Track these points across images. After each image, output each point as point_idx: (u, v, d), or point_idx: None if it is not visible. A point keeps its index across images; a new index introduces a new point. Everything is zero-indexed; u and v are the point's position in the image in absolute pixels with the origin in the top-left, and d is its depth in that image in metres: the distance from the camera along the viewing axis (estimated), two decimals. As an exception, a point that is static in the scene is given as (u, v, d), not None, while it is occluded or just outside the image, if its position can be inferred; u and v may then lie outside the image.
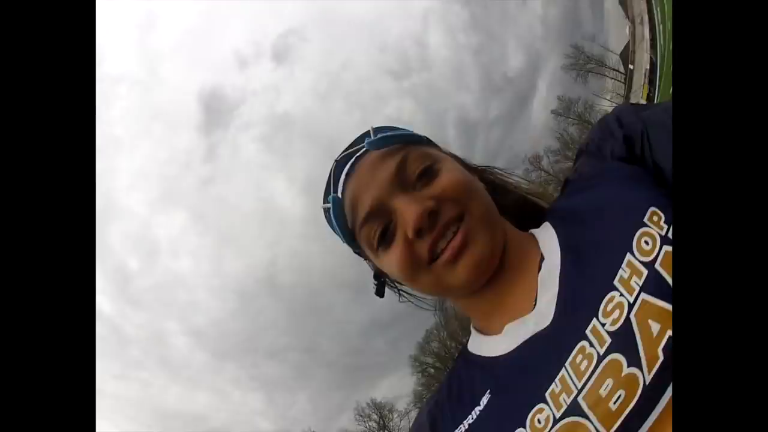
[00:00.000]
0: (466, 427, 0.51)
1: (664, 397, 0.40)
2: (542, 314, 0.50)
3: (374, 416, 73.41)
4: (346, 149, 0.64)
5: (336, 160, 0.64)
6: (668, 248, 0.44)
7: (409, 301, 0.71)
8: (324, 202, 0.63)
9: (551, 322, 0.49)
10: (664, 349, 0.40)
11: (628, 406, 0.40)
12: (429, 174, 0.57)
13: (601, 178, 0.59)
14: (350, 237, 0.62)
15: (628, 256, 0.46)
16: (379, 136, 0.59)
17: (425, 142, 0.65)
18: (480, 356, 0.57)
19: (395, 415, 73.30)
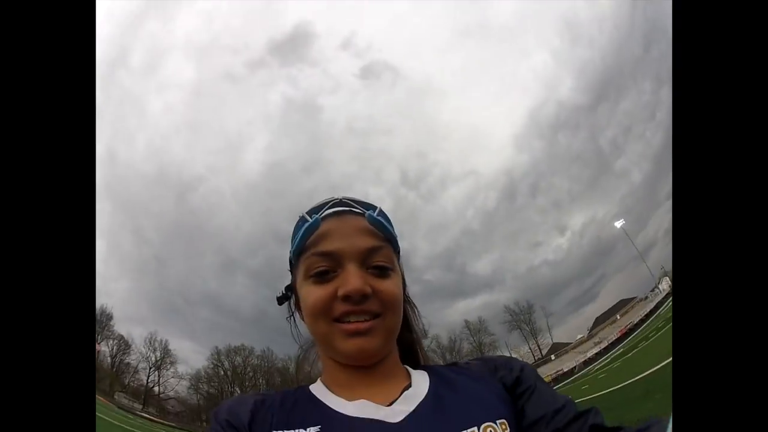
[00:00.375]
0: None
1: None
2: (394, 414, 0.63)
3: (158, 353, 79.02)
4: (351, 200, 0.76)
5: (339, 198, 0.76)
6: None
7: (290, 323, 0.84)
8: (308, 215, 0.73)
9: (396, 425, 0.62)
10: None
11: None
12: (383, 272, 0.69)
13: (484, 380, 0.72)
14: (298, 252, 0.72)
15: (480, 426, 0.61)
16: (379, 219, 0.71)
17: (398, 250, 0.77)
18: (323, 402, 0.68)
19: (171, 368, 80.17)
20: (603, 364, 30.19)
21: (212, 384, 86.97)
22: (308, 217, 0.71)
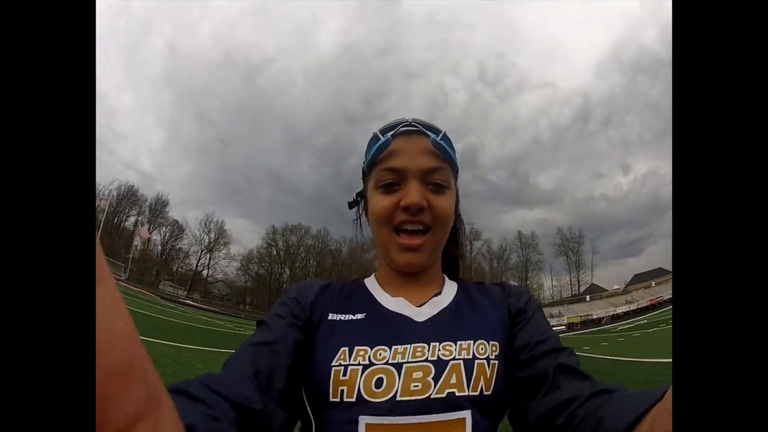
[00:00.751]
0: (339, 318, 0.77)
1: (437, 415, 0.64)
2: (421, 314, 0.77)
3: (212, 234, 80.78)
4: (419, 121, 0.84)
5: (409, 120, 0.83)
6: (480, 361, 0.69)
7: (355, 226, 0.97)
8: (380, 133, 0.82)
9: (420, 323, 0.76)
10: (439, 387, 0.65)
11: (419, 393, 0.65)
12: (439, 189, 0.80)
13: (497, 305, 0.83)
14: (371, 163, 0.83)
15: (475, 341, 0.72)
16: (442, 142, 0.80)
17: (456, 171, 0.87)
18: (372, 295, 0.83)
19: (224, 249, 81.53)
20: (626, 327, 30.24)
21: (263, 264, 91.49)
22: (380, 136, 0.80)
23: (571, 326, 52.09)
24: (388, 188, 0.80)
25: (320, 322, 0.77)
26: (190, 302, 60.66)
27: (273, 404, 0.62)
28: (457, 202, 0.90)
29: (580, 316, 55.53)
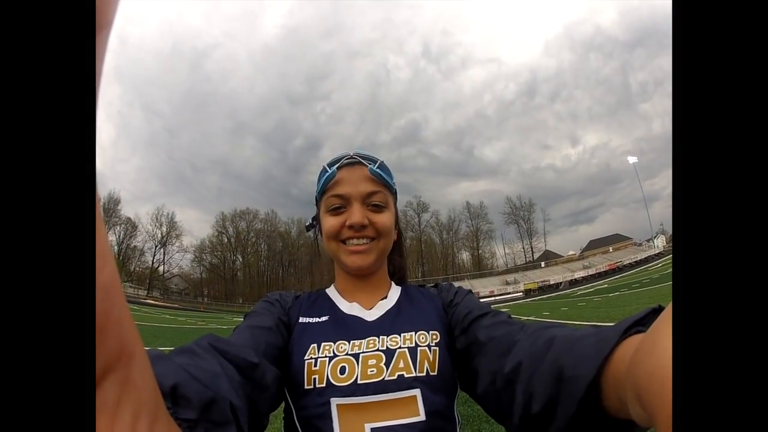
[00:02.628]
0: (307, 321, 0.92)
1: (392, 393, 0.78)
2: (371, 315, 0.93)
3: (164, 228, 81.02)
4: (359, 154, 1.00)
5: (351, 154, 0.99)
6: (422, 348, 0.83)
7: (315, 243, 1.12)
8: (328, 166, 0.99)
9: (371, 322, 0.91)
10: (391, 371, 0.80)
11: (375, 377, 0.79)
12: (378, 208, 0.97)
13: (432, 301, 0.99)
14: (321, 191, 0.99)
15: (416, 332, 0.86)
16: (378, 171, 0.96)
17: (394, 192, 1.05)
18: (332, 301, 0.99)
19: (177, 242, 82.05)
20: (587, 291, 31.20)
21: (215, 253, 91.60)
22: (327, 168, 0.98)
23: (528, 293, 52.80)
24: (335, 211, 0.96)
25: (294, 325, 0.92)
26: (152, 301, 61.33)
27: (267, 362, 0.73)
28: (397, 218, 1.07)
29: (537, 282, 56.80)
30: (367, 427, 0.77)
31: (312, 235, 1.13)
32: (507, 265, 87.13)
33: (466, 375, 0.81)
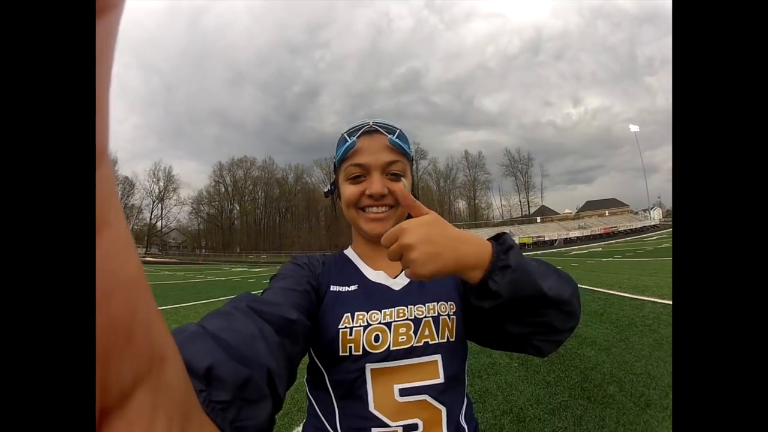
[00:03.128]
0: (339, 289, 0.95)
1: (418, 358, 0.86)
2: (397, 284, 0.97)
3: (161, 183, 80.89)
4: (379, 123, 1.01)
5: (371, 123, 1.01)
6: (443, 317, 0.90)
7: (333, 209, 1.15)
8: (347, 135, 1.01)
9: (398, 291, 0.96)
10: (418, 338, 0.87)
11: (405, 344, 0.86)
12: (397, 177, 0.98)
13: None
14: (340, 161, 1.00)
15: (437, 303, 0.93)
16: (397, 140, 0.98)
17: (411, 159, 1.05)
18: (357, 266, 1.03)
19: (174, 195, 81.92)
20: (581, 252, 31.61)
21: (212, 203, 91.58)
22: (347, 138, 1.00)
23: (522, 246, 53.21)
24: (355, 180, 0.99)
25: (326, 292, 0.94)
26: (150, 258, 61.91)
27: (302, 317, 0.76)
28: (415, 186, 1.11)
29: (532, 237, 57.47)
30: (396, 387, 0.85)
31: (331, 200, 1.16)
32: (503, 217, 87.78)
33: (489, 333, 0.90)
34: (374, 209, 0.98)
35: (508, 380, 4.22)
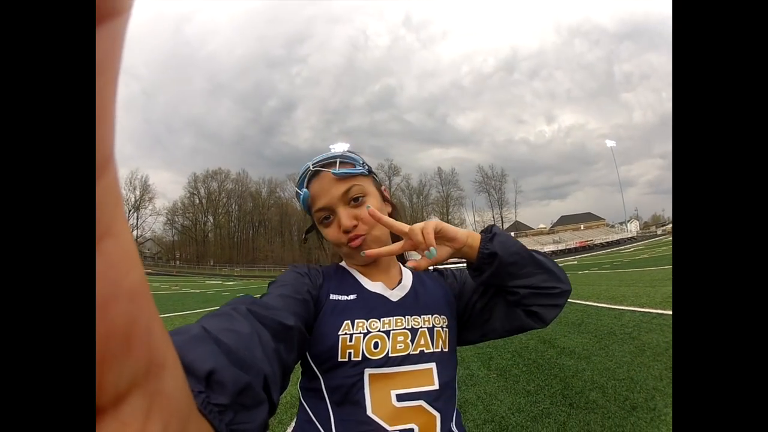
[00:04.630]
0: (338, 298, 0.96)
1: (414, 365, 0.90)
2: (394, 296, 1.01)
3: (137, 192, 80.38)
4: (320, 163, 1.02)
5: (310, 166, 1.03)
6: (438, 329, 0.97)
7: (321, 244, 1.17)
8: (298, 188, 1.05)
9: (395, 302, 0.99)
10: (414, 346, 0.92)
11: (402, 351, 0.90)
12: (358, 201, 1.00)
13: (440, 285, 1.12)
14: (308, 211, 1.05)
15: (432, 315, 0.99)
16: (341, 171, 1.00)
17: (369, 172, 1.07)
18: (357, 280, 1.04)
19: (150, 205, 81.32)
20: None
21: (187, 215, 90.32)
22: (299, 191, 1.04)
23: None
24: (327, 221, 1.03)
25: (325, 301, 0.96)
26: None
27: (300, 324, 0.78)
28: (383, 194, 1.12)
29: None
30: (393, 393, 0.87)
31: (317, 238, 1.18)
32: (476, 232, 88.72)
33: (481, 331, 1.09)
34: (354, 239, 1.00)
35: (488, 390, 4.20)
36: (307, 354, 0.91)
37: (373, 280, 1.05)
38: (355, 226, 1.00)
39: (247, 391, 0.51)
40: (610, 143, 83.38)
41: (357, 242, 1.00)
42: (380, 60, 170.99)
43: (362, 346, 0.89)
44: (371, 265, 1.08)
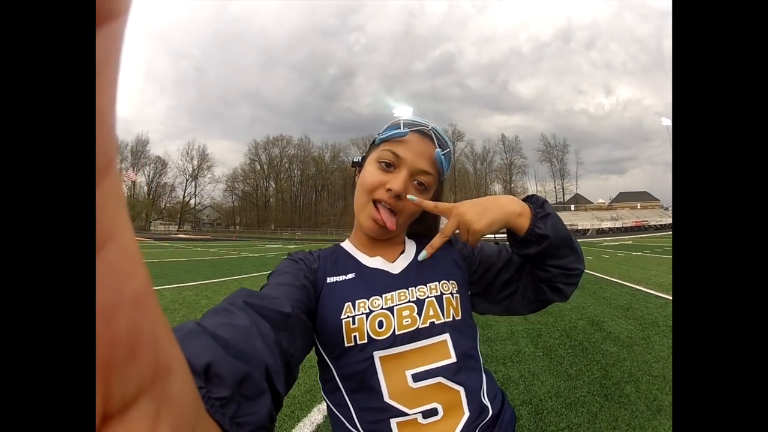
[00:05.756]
0: (335, 279, 0.93)
1: (426, 340, 0.86)
2: (395, 268, 0.97)
3: (195, 161, 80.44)
4: (437, 133, 0.99)
5: (430, 126, 0.99)
6: (447, 296, 0.92)
7: (353, 181, 1.10)
8: (402, 124, 0.98)
9: (397, 275, 0.95)
10: (423, 319, 0.87)
11: (410, 326, 0.86)
12: (421, 188, 0.97)
13: (449, 251, 1.06)
14: (382, 140, 0.98)
15: (439, 282, 0.94)
16: (442, 156, 0.97)
17: (442, 183, 1.06)
18: (355, 257, 1.01)
19: (208, 173, 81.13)
20: (612, 244, 30.93)
21: (248, 181, 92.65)
22: (402, 126, 0.97)
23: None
24: (383, 166, 0.96)
25: (323, 286, 0.92)
26: (183, 235, 61.55)
27: (299, 311, 0.74)
28: (439, 193, 1.07)
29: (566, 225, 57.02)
30: (408, 373, 0.83)
31: (355, 171, 1.12)
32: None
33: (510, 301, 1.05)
34: (384, 204, 0.95)
35: (532, 369, 4.25)
36: (317, 342, 0.88)
37: (371, 255, 1.01)
38: (399, 197, 0.94)
39: (248, 380, 0.50)
40: (666, 122, 78.65)
41: (381, 217, 0.95)
42: (437, 27, 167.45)
43: (366, 327, 0.84)
44: (372, 238, 1.03)
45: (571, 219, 61.92)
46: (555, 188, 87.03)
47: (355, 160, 1.12)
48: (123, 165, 72.82)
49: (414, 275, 0.96)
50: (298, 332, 0.71)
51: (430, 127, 1.00)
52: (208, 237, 61.76)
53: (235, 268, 14.98)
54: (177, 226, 76.29)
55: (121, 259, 0.20)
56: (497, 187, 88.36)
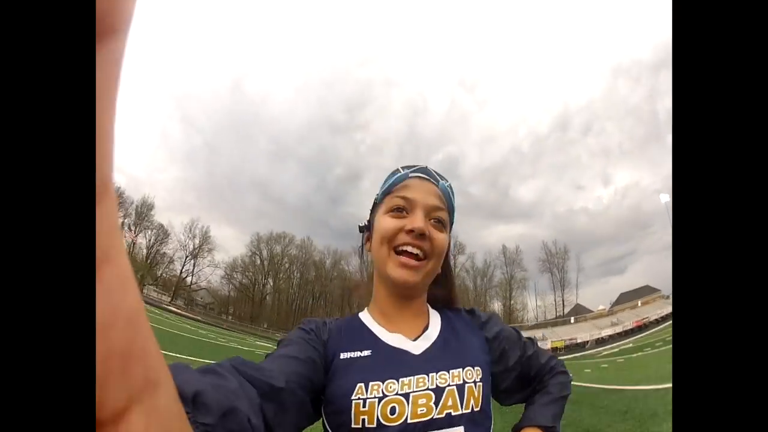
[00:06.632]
0: (349, 356, 0.87)
1: (437, 429, 0.79)
2: (417, 348, 0.90)
3: (197, 240, 79.79)
4: (433, 171, 1.01)
5: (425, 166, 1.01)
6: (469, 385, 0.85)
7: (360, 252, 1.11)
8: (402, 168, 1.00)
9: (418, 356, 0.88)
10: (440, 409, 0.80)
11: (424, 416, 0.79)
12: (439, 225, 0.95)
13: (474, 332, 1.01)
14: (386, 193, 0.98)
15: (463, 369, 0.86)
16: (447, 190, 1.00)
17: (452, 221, 1.03)
18: (372, 331, 0.94)
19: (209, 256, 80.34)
20: (611, 351, 30.49)
21: (246, 273, 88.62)
22: (401, 170, 0.98)
23: (555, 351, 51.41)
24: (397, 213, 0.94)
25: (333, 360, 0.87)
26: (174, 309, 59.36)
27: (295, 387, 0.71)
28: (449, 247, 1.03)
29: (564, 340, 55.14)
30: None
31: (361, 241, 1.10)
32: (537, 318, 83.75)
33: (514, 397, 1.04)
34: (409, 248, 0.91)
35: None
36: (323, 415, 0.84)
37: (391, 330, 0.94)
38: (423, 237, 0.91)
39: (232, 415, 0.51)
40: (664, 198, 79.59)
41: (411, 261, 0.91)
42: (440, 125, 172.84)
43: (377, 412, 0.79)
44: (395, 303, 0.97)
45: (571, 332, 60.65)
46: (555, 301, 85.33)
47: (360, 224, 1.10)
48: (125, 222, 72.49)
49: (436, 359, 0.89)
50: (289, 407, 0.68)
51: (426, 167, 1.01)
52: (198, 318, 59.08)
53: (219, 355, 14.74)
54: (170, 298, 74.09)
55: (116, 279, 0.21)
56: (497, 304, 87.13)
